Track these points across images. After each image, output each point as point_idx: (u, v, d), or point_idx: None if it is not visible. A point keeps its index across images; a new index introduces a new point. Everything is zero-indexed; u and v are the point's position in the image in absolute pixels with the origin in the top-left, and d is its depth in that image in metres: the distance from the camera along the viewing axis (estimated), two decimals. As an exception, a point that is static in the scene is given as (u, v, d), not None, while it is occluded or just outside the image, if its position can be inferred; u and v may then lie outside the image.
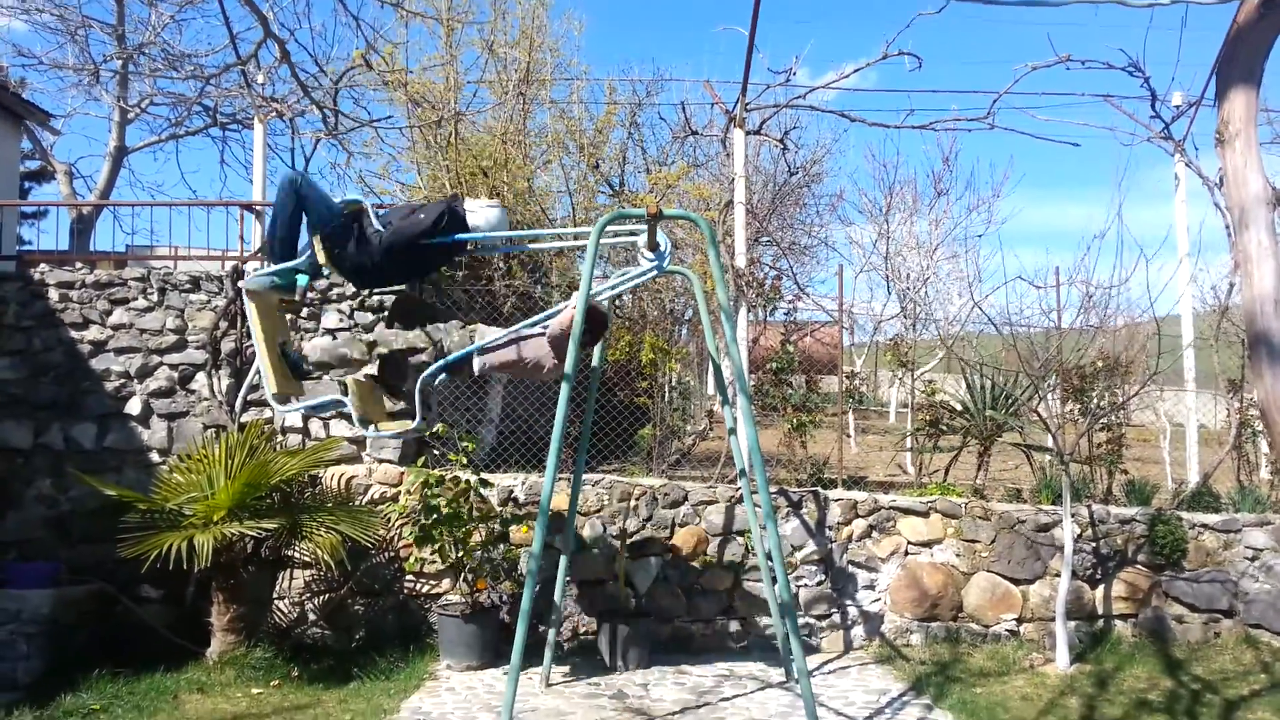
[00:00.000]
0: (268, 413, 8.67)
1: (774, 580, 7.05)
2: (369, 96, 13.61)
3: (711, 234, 6.46)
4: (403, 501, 8.28)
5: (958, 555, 8.45)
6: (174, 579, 7.72)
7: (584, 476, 8.03)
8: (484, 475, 8.11)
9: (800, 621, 8.22)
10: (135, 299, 8.80)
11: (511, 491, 8.43)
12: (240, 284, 6.53)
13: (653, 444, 9.66)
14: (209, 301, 8.79)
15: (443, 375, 6.49)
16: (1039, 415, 8.55)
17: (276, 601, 8.30)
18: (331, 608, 8.23)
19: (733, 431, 7.48)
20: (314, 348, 6.48)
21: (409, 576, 8.28)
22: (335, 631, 8.23)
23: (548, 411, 6.79)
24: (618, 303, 10.25)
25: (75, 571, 8.20)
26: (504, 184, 10.85)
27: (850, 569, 8.46)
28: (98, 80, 14.92)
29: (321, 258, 6.26)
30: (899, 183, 17.30)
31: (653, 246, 6.50)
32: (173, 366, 8.72)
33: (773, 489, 8.33)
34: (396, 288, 7.78)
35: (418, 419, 6.27)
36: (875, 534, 8.51)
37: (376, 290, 8.72)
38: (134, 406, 8.64)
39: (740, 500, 8.20)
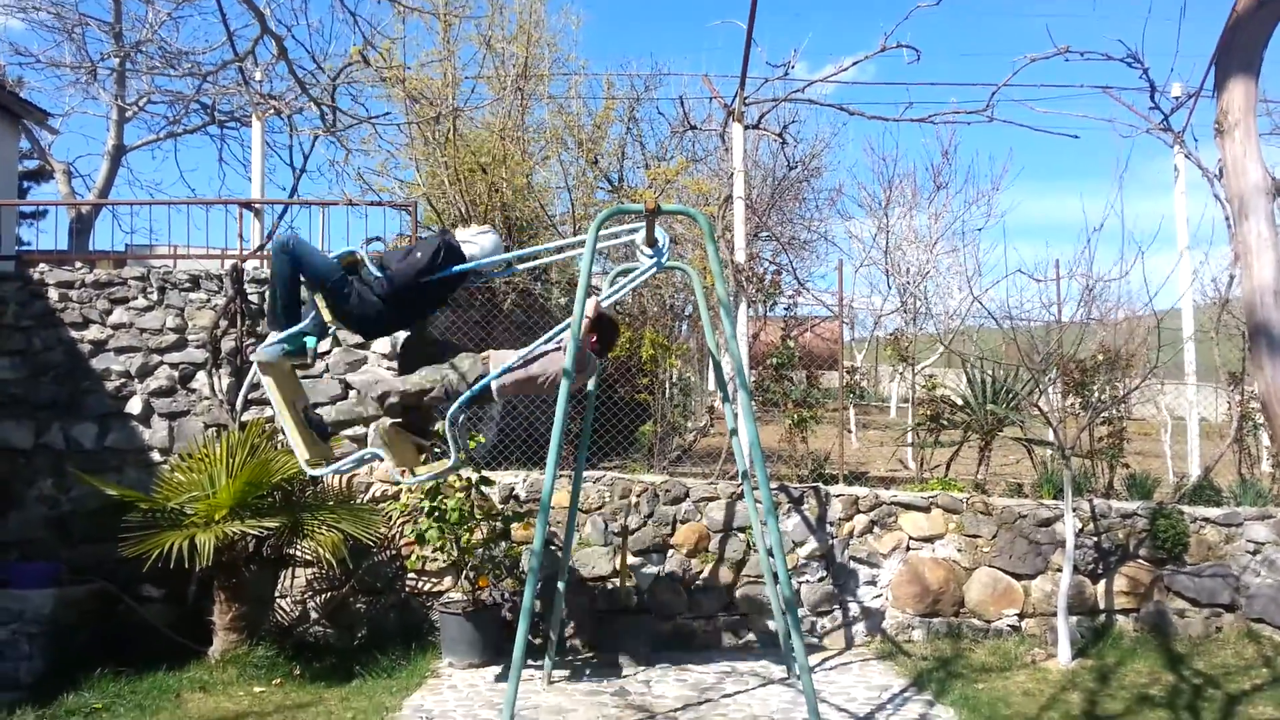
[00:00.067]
0: (268, 411, 8.66)
1: (775, 577, 7.05)
2: (367, 93, 13.58)
3: (710, 229, 6.45)
4: (404, 499, 8.27)
5: (959, 550, 8.45)
6: (176, 578, 7.71)
7: (585, 473, 8.03)
8: (485, 473, 8.11)
9: (801, 618, 8.22)
10: (135, 298, 8.78)
11: (513, 489, 8.43)
12: (251, 356, 6.46)
13: (653, 440, 9.66)
14: (209, 300, 8.78)
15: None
16: (1040, 409, 8.54)
17: (278, 600, 8.30)
18: (333, 606, 8.23)
19: (734, 432, 7.45)
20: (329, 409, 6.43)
21: (411, 574, 8.28)
22: (337, 630, 8.23)
23: (548, 409, 6.78)
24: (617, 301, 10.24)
25: (77, 571, 8.19)
26: (503, 180, 10.84)
27: (851, 565, 8.46)
28: (95, 78, 14.90)
29: (327, 315, 6.20)
30: (898, 176, 17.31)
31: (651, 242, 6.48)
32: (173, 365, 8.71)
33: (774, 485, 8.33)
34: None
35: (454, 458, 6.23)
36: (876, 529, 8.51)
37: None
38: (135, 406, 8.64)
39: (741, 496, 8.20)
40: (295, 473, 7.78)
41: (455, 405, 6.13)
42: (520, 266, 6.72)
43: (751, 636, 8.34)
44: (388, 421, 6.51)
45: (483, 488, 7.97)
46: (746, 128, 9.80)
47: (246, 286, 8.77)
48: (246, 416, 8.54)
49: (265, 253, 9.75)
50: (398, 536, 8.30)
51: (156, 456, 8.60)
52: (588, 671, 7.58)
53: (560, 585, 7.47)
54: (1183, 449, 10.46)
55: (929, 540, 8.47)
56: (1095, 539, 8.39)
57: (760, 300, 10.49)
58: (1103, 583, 8.39)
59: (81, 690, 6.88)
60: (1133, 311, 9.66)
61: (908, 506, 8.54)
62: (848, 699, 6.82)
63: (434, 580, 8.31)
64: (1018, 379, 9.58)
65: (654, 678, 7.37)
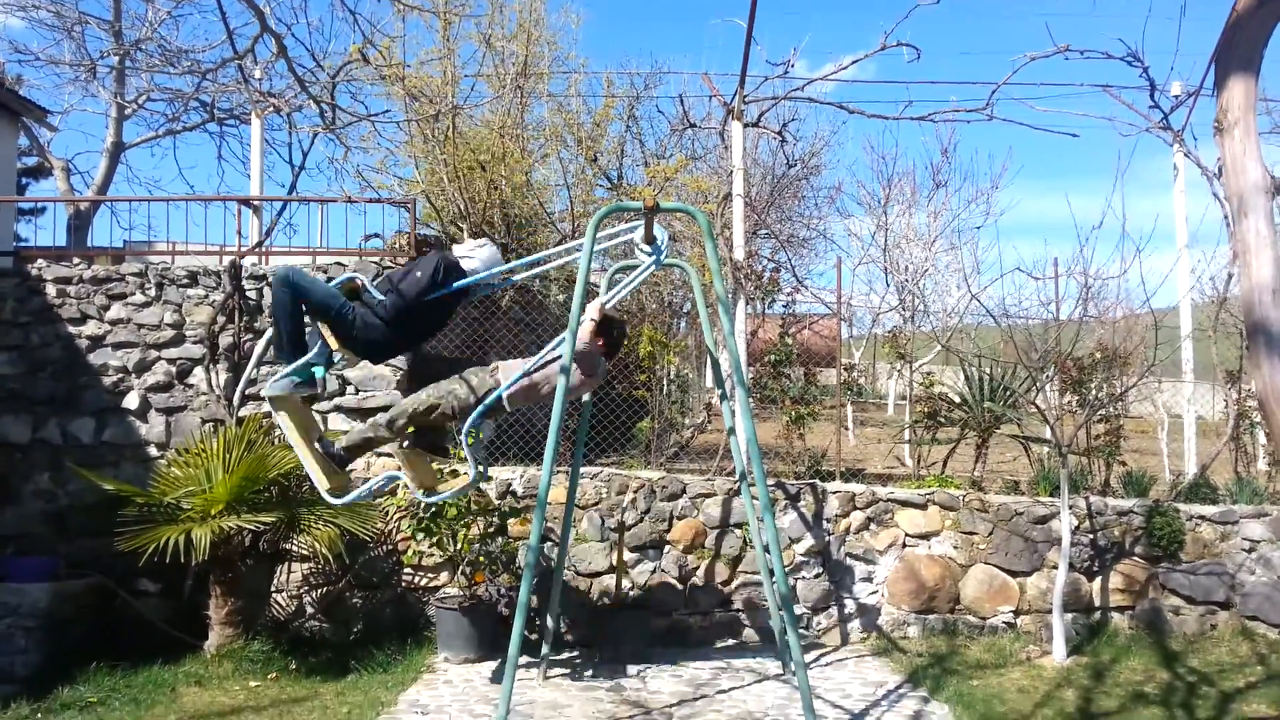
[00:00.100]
0: (265, 406, 8.66)
1: (771, 573, 7.06)
2: (366, 91, 13.60)
3: (709, 227, 6.45)
4: (400, 495, 8.28)
5: (955, 547, 8.45)
6: (172, 573, 7.72)
7: (582, 469, 8.03)
8: (482, 468, 8.11)
9: (797, 614, 8.22)
10: (133, 294, 8.79)
11: (510, 485, 8.43)
12: (262, 394, 6.46)
13: (651, 437, 9.66)
14: (206, 296, 8.79)
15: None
16: (1037, 407, 8.56)
17: (274, 595, 8.31)
18: (329, 601, 8.24)
19: (731, 431, 7.45)
20: (336, 445, 6.42)
21: (407, 569, 8.29)
22: (333, 624, 8.24)
23: (545, 406, 6.77)
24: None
25: (73, 565, 8.20)
26: (502, 178, 10.85)
27: (848, 561, 8.47)
28: (95, 76, 14.90)
29: (333, 344, 6.22)
30: (897, 175, 17.36)
31: (650, 240, 6.49)
32: (170, 361, 8.71)
33: (770, 481, 8.33)
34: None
35: (473, 472, 6.24)
36: (873, 526, 8.52)
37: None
38: (132, 401, 8.64)
39: (738, 493, 8.20)
40: (291, 468, 7.79)
41: (469, 420, 6.12)
42: (519, 276, 6.72)
43: (747, 632, 8.35)
44: (404, 443, 6.54)
45: (479, 483, 7.96)
46: (746, 126, 9.80)
47: (244, 283, 8.78)
48: (243, 412, 8.56)
49: (263, 249, 9.76)
50: (394, 532, 8.32)
51: (153, 451, 8.61)
52: (583, 667, 7.59)
53: (557, 581, 7.48)
54: (1179, 447, 10.45)
55: (925, 537, 8.48)
56: (1091, 536, 8.40)
57: (759, 298, 10.48)
58: (1098, 580, 8.40)
59: (77, 684, 6.89)
60: (1131, 310, 9.67)
61: (904, 503, 8.54)
62: (843, 695, 6.83)
63: (430, 575, 8.32)
64: (1015, 377, 9.58)
65: (650, 673, 7.37)
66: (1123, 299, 9.51)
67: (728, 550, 8.40)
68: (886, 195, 16.82)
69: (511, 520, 8.11)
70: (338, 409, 8.62)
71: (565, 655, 7.91)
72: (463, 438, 6.09)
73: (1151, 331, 9.01)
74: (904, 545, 8.48)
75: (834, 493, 8.55)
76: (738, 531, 8.41)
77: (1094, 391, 9.38)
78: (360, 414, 8.61)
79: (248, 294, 8.78)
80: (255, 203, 10.39)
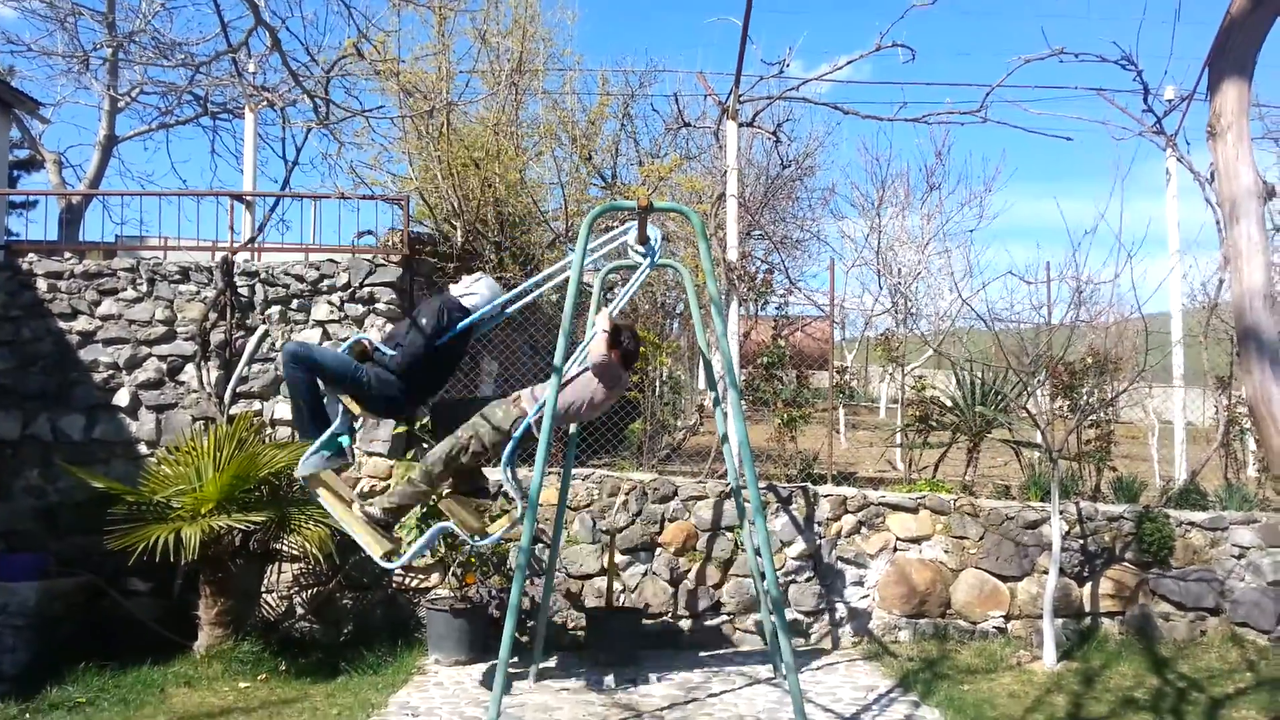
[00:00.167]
0: (257, 404, 8.65)
1: (763, 576, 7.06)
2: (361, 86, 13.50)
3: (702, 227, 6.44)
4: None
5: (946, 552, 8.46)
6: (162, 572, 7.69)
7: (573, 471, 8.01)
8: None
9: (788, 617, 8.22)
10: (124, 289, 8.75)
11: (501, 485, 8.41)
12: (296, 475, 6.48)
13: (643, 438, 9.65)
14: (198, 292, 8.75)
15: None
16: (1028, 412, 8.56)
17: (264, 595, 8.28)
18: (320, 602, 8.22)
19: (725, 439, 7.43)
20: (376, 504, 6.43)
21: (397, 570, 8.26)
22: (323, 625, 8.22)
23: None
24: (609, 296, 10.23)
25: (63, 563, 8.17)
26: (496, 175, 10.82)
27: (839, 565, 8.47)
28: (87, 68, 14.77)
29: (355, 410, 6.27)
30: (891, 177, 17.28)
31: (643, 240, 6.47)
32: (161, 358, 8.68)
33: (762, 484, 8.33)
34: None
35: (519, 507, 6.24)
36: (864, 530, 8.52)
37: (367, 282, 8.71)
38: (122, 398, 8.61)
39: (730, 495, 8.20)
40: (282, 467, 7.77)
41: (506, 457, 6.11)
42: (522, 301, 6.74)
43: (738, 636, 8.35)
44: (444, 492, 6.56)
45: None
46: (741, 125, 9.79)
47: (237, 279, 8.75)
48: (234, 410, 8.53)
49: (256, 245, 9.73)
50: (385, 532, 8.28)
51: (144, 449, 8.57)
52: (575, 670, 7.58)
53: (548, 583, 7.46)
54: (1169, 453, 10.49)
55: (916, 541, 8.49)
56: (1081, 541, 8.42)
57: (752, 299, 10.49)
58: (1088, 585, 8.41)
59: (66, 683, 6.87)
60: (1122, 315, 9.70)
61: (895, 507, 8.55)
62: (834, 699, 6.83)
63: (421, 577, 8.30)
64: (1006, 381, 9.59)
65: (640, 676, 7.36)
66: (1114, 304, 9.55)
67: (719, 553, 8.40)
68: (880, 197, 16.79)
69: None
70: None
71: (556, 658, 7.89)
72: (504, 474, 6.09)
73: (1142, 337, 9.03)
74: (895, 549, 8.49)
75: (825, 496, 8.55)
76: (729, 534, 8.40)
77: (1085, 397, 9.40)
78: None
79: (240, 290, 8.75)
80: (248, 198, 10.34)
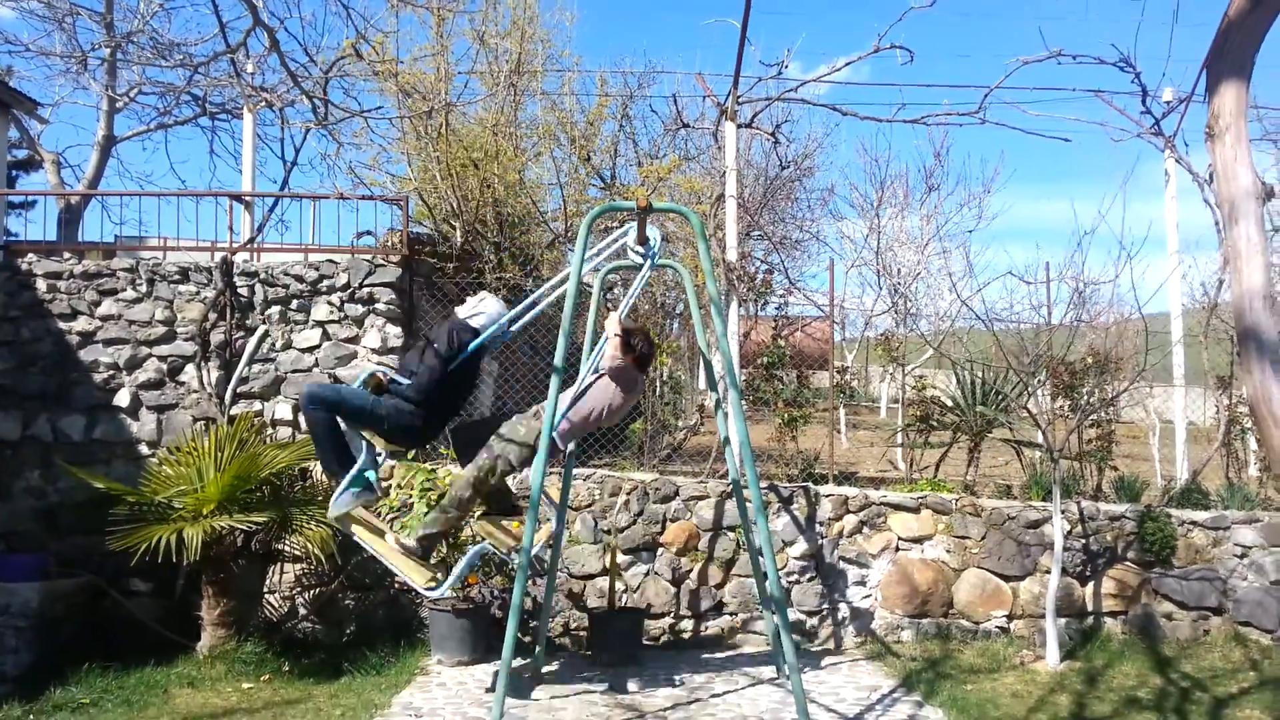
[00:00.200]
0: (257, 405, 8.64)
1: (764, 576, 7.05)
2: (359, 87, 13.53)
3: (701, 228, 6.44)
4: (394, 495, 8.25)
5: (948, 551, 8.46)
6: (164, 572, 7.69)
7: (575, 471, 8.00)
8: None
9: (791, 617, 8.21)
10: (124, 290, 8.75)
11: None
12: (328, 517, 6.53)
13: (644, 438, 9.65)
14: (198, 293, 8.75)
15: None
16: (1029, 411, 8.56)
17: (267, 596, 8.27)
18: (322, 602, 8.21)
19: (726, 442, 7.42)
20: (411, 535, 6.45)
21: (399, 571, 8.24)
22: (326, 626, 8.21)
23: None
24: (609, 296, 10.23)
25: (64, 564, 8.16)
26: (494, 176, 10.81)
27: (841, 565, 8.47)
28: (86, 68, 14.79)
29: (379, 444, 6.31)
30: (890, 178, 17.29)
31: (642, 241, 6.47)
32: (161, 358, 8.67)
33: (763, 484, 8.32)
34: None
35: (552, 518, 6.24)
36: (866, 530, 8.52)
37: (366, 283, 8.71)
38: (123, 398, 8.60)
39: (731, 495, 8.19)
40: (283, 467, 7.77)
41: (536, 471, 6.08)
42: (529, 315, 6.74)
43: (741, 636, 8.34)
44: (478, 514, 6.59)
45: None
46: (739, 126, 9.80)
47: (236, 279, 8.74)
48: (235, 410, 8.52)
49: (255, 245, 9.72)
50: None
51: (144, 449, 8.57)
52: (577, 669, 7.57)
53: (550, 583, 7.45)
54: (1171, 452, 10.49)
55: (918, 541, 8.49)
56: (1083, 541, 8.42)
57: (751, 299, 10.49)
58: (1091, 585, 8.41)
59: (69, 684, 6.86)
60: (1122, 315, 9.69)
61: (897, 507, 8.55)
62: (837, 699, 6.82)
63: (423, 577, 8.28)
64: (1007, 381, 9.59)
65: (644, 677, 7.35)
66: (1114, 304, 9.54)
67: (721, 553, 8.39)
68: (879, 198, 16.79)
69: (505, 522, 8.07)
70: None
71: (559, 658, 7.89)
72: (533, 488, 6.09)
73: (1142, 336, 9.02)
74: (897, 549, 8.48)
75: (827, 496, 8.55)
76: (731, 534, 8.40)
77: (1086, 396, 9.40)
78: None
79: (239, 291, 8.75)
80: (247, 198, 10.34)
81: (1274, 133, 10.53)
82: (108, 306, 8.71)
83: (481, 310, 6.51)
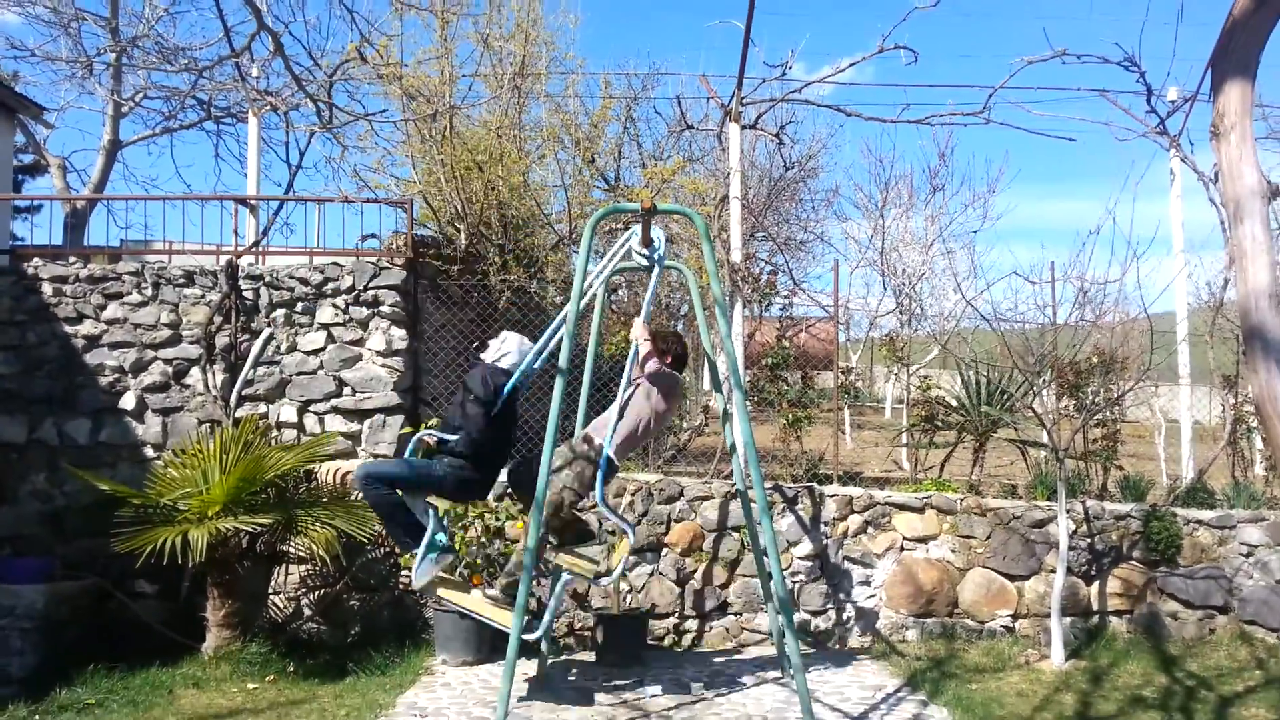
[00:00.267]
0: (262, 407, 8.66)
1: (769, 576, 7.05)
2: (364, 90, 13.55)
3: (706, 229, 6.44)
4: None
5: (953, 551, 8.45)
6: (169, 574, 7.69)
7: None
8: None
9: (796, 617, 8.22)
10: (129, 293, 8.77)
11: (507, 487, 8.40)
12: (413, 588, 6.73)
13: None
14: (203, 296, 8.77)
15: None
16: (1034, 411, 8.55)
17: (272, 597, 8.29)
18: (327, 603, 8.22)
19: (732, 448, 7.40)
20: (496, 585, 6.50)
21: (404, 571, 8.25)
22: (331, 627, 8.22)
23: (542, 406, 6.76)
24: (613, 297, 10.24)
25: (70, 567, 8.18)
26: (499, 178, 10.82)
27: (845, 565, 8.46)
28: (91, 73, 14.85)
29: (443, 505, 6.45)
30: (895, 178, 17.30)
31: (647, 242, 6.47)
32: (167, 361, 8.69)
33: (768, 485, 8.32)
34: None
35: (630, 531, 6.30)
36: (871, 530, 8.51)
37: (371, 285, 8.72)
38: (128, 401, 8.62)
39: (736, 495, 8.19)
40: (288, 469, 7.78)
41: (598, 494, 6.14)
42: (551, 344, 6.74)
43: (745, 636, 8.34)
44: (556, 547, 6.63)
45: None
46: (743, 128, 9.80)
47: (241, 283, 8.76)
48: (240, 413, 8.54)
49: (260, 249, 9.74)
50: (392, 534, 8.28)
51: (150, 452, 8.59)
52: (581, 670, 7.57)
53: (555, 584, 7.44)
54: (1176, 452, 10.46)
55: (923, 541, 8.48)
56: (1089, 540, 8.41)
57: (756, 300, 10.49)
58: (1096, 584, 8.40)
59: (74, 686, 6.87)
60: (1127, 314, 9.68)
61: (902, 507, 8.54)
62: (842, 699, 6.82)
63: (428, 578, 8.29)
64: (1012, 380, 9.58)
65: (648, 677, 7.36)
66: (1120, 303, 9.53)
67: (725, 553, 8.39)
68: (884, 198, 16.81)
69: (509, 523, 8.08)
70: (335, 410, 8.61)
71: (563, 658, 7.89)
72: (602, 509, 6.13)
73: (1148, 336, 9.01)
74: (902, 549, 8.48)
75: (831, 496, 8.55)
76: (735, 534, 8.40)
77: (1091, 396, 9.39)
78: (358, 414, 8.61)
79: (245, 294, 8.77)
80: (252, 202, 10.37)
81: (1279, 132, 10.53)
82: (113, 310, 8.73)
83: (506, 350, 6.59)
